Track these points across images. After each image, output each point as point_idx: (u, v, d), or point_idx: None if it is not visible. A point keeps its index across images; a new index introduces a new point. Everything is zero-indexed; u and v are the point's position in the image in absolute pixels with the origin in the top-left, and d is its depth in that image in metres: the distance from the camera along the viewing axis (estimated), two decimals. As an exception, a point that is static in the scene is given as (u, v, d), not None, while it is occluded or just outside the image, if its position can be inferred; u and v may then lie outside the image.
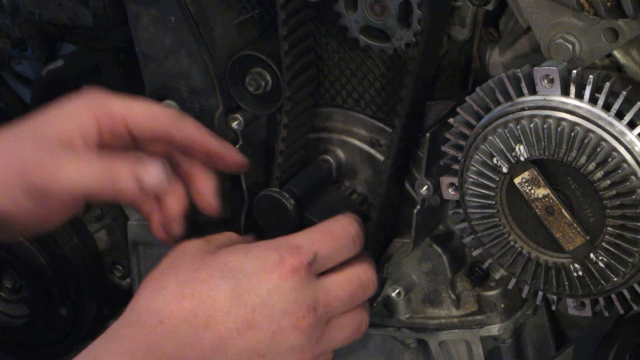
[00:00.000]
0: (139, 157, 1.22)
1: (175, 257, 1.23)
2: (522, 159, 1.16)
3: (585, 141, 1.11)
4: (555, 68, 1.14)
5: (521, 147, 1.15)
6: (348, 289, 1.25)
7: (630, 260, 1.14)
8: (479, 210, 1.23)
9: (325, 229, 1.28)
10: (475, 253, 1.28)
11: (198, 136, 1.30)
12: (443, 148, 1.26)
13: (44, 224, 1.25)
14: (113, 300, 1.67)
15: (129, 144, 1.27)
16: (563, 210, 1.16)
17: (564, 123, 1.13)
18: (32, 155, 1.19)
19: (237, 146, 1.45)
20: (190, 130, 1.30)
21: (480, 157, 1.19)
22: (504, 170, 1.18)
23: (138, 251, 1.59)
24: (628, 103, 1.12)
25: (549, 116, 1.14)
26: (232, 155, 1.34)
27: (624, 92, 1.11)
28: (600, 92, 1.12)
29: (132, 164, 1.20)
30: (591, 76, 1.13)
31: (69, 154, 1.19)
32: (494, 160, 1.18)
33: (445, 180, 1.26)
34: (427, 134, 1.33)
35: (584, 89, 1.12)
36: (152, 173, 1.20)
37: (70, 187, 1.18)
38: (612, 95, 1.12)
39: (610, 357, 1.32)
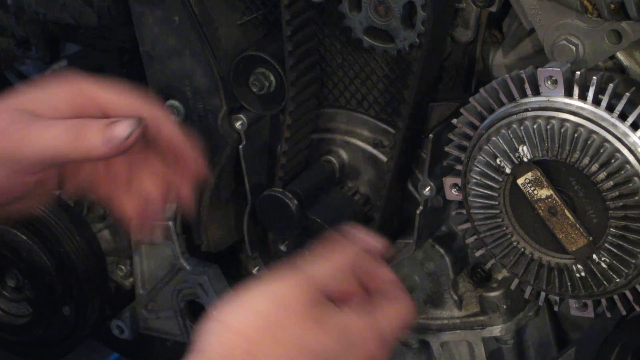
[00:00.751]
0: (109, 120, 1.17)
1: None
2: (525, 159, 1.16)
3: (589, 142, 1.12)
4: (558, 69, 1.15)
5: (524, 147, 1.16)
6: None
7: (633, 261, 1.14)
8: (482, 211, 1.23)
9: None
10: (478, 254, 1.28)
11: (167, 127, 1.20)
12: (446, 149, 1.27)
13: (14, 197, 1.18)
14: (115, 300, 1.67)
15: None
16: (566, 211, 1.16)
17: (568, 124, 1.13)
18: (2, 124, 1.14)
19: (241, 146, 1.45)
20: (162, 120, 1.21)
21: (484, 157, 1.20)
22: (507, 170, 1.18)
23: (141, 251, 1.60)
24: (631, 104, 1.12)
25: (553, 117, 1.14)
26: (195, 157, 1.23)
27: (628, 94, 1.12)
28: (603, 94, 1.12)
29: (101, 122, 1.15)
30: (594, 78, 1.13)
31: (38, 121, 1.15)
32: (497, 160, 1.18)
33: (448, 181, 1.26)
34: (431, 135, 1.34)
35: (588, 90, 1.13)
36: (122, 127, 1.14)
37: (38, 149, 1.13)
38: (616, 96, 1.12)
39: (613, 356, 1.33)
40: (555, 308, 1.30)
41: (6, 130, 1.14)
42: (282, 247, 1.52)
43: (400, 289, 1.16)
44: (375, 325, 1.10)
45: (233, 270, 1.59)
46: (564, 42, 1.21)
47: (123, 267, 1.63)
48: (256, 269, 1.54)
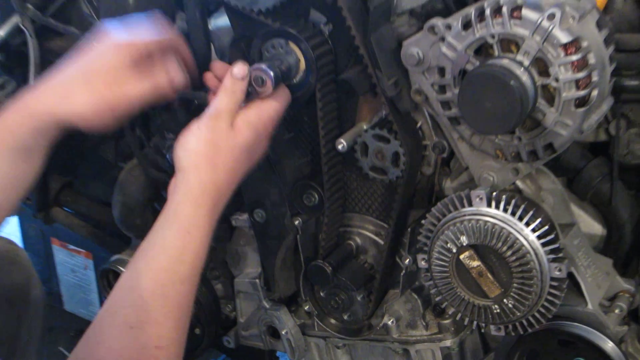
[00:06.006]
0: (166, 68, 1.24)
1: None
2: (464, 244, 1.23)
3: (500, 234, 1.19)
4: (483, 191, 1.22)
5: (464, 237, 1.22)
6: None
7: (527, 302, 1.21)
8: (439, 274, 1.28)
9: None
10: (437, 298, 1.31)
11: (182, 46, 1.30)
12: (419, 237, 1.30)
13: (105, 124, 1.21)
14: (225, 325, 1.68)
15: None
16: (488, 274, 1.23)
17: (488, 223, 1.20)
18: (103, 80, 1.18)
19: (298, 236, 1.48)
20: (181, 42, 1.30)
21: (440, 243, 1.25)
22: (454, 250, 1.24)
23: (240, 296, 1.64)
24: (525, 211, 1.19)
25: (480, 219, 1.21)
26: (192, 64, 1.32)
27: (523, 205, 1.19)
28: (509, 205, 1.19)
29: (165, 73, 1.24)
30: (504, 196, 1.21)
31: (128, 85, 1.19)
32: (448, 245, 1.24)
33: (419, 256, 1.30)
34: (409, 229, 1.41)
35: (500, 203, 1.20)
36: (178, 74, 1.25)
37: (137, 101, 1.21)
38: (516, 206, 1.19)
39: (515, 358, 1.37)
40: (482, 330, 1.39)
41: (111, 84, 1.19)
42: (322, 294, 1.56)
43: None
44: (261, 118, 1.20)
45: (294, 307, 1.61)
46: (486, 175, 1.27)
47: (230, 306, 1.66)
48: (307, 307, 1.57)
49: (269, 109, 1.21)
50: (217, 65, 1.28)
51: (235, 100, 1.18)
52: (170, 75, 1.24)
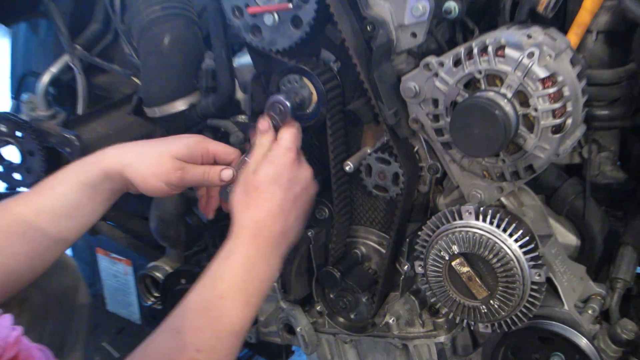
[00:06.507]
0: (219, 166, 1.27)
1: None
2: (455, 252, 1.22)
3: (487, 243, 1.19)
4: (472, 207, 1.20)
5: (455, 246, 1.22)
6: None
7: (510, 303, 1.20)
8: (433, 279, 1.27)
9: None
10: (432, 300, 1.30)
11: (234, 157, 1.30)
12: (416, 247, 1.29)
13: (157, 194, 1.25)
14: None
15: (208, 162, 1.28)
16: (476, 278, 1.22)
17: (477, 234, 1.19)
18: (171, 164, 1.23)
19: (311, 245, 1.46)
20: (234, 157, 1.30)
21: (435, 251, 1.25)
22: (447, 258, 1.23)
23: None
24: (509, 224, 1.18)
25: (469, 230, 1.20)
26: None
27: (506, 219, 1.18)
28: (494, 219, 1.19)
29: (216, 169, 1.27)
30: (490, 210, 1.19)
31: (187, 166, 1.24)
32: (442, 253, 1.23)
33: (417, 263, 1.29)
34: (407, 239, 1.40)
35: (486, 217, 1.19)
36: (227, 173, 1.27)
37: (189, 180, 1.25)
38: (500, 220, 1.18)
39: (500, 352, 1.35)
40: (472, 327, 1.34)
41: (175, 168, 1.23)
42: (332, 296, 1.54)
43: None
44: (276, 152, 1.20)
45: (307, 307, 1.59)
46: (474, 192, 1.26)
47: None
48: (319, 307, 1.56)
49: (280, 142, 1.23)
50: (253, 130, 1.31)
51: (263, 151, 1.21)
52: (219, 168, 1.28)
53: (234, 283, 1.09)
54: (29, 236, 1.16)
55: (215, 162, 1.29)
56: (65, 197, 1.19)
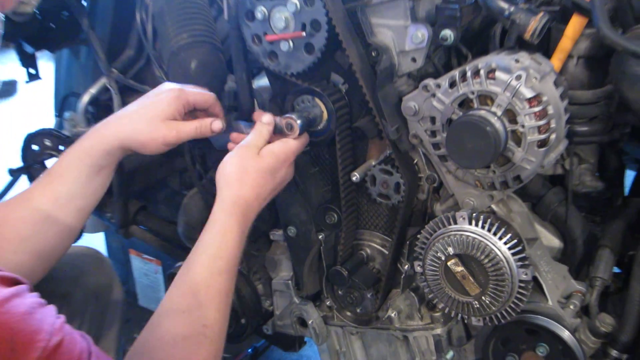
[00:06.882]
0: (208, 119, 1.26)
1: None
2: (450, 253, 1.22)
3: (479, 245, 1.19)
4: (465, 213, 1.20)
5: (450, 248, 1.21)
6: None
7: (500, 299, 1.20)
8: (431, 277, 1.27)
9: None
10: (430, 296, 1.29)
11: (216, 106, 1.29)
12: (415, 248, 1.29)
13: (157, 150, 1.23)
14: (265, 317, 1.65)
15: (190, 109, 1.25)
16: (469, 277, 1.22)
17: (470, 237, 1.19)
18: (165, 127, 1.20)
19: (322, 247, 1.45)
20: (215, 104, 1.29)
21: (433, 252, 1.25)
22: (443, 258, 1.23)
23: (276, 294, 1.62)
24: (498, 228, 1.18)
25: (463, 234, 1.20)
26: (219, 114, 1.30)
27: (496, 224, 1.18)
28: (486, 223, 1.19)
29: (207, 122, 1.25)
30: (482, 216, 1.20)
31: (179, 124, 1.22)
32: (438, 254, 1.23)
33: (416, 263, 1.29)
34: (408, 242, 1.39)
35: (478, 222, 1.19)
36: (217, 125, 1.26)
37: (185, 137, 1.23)
38: (491, 224, 1.18)
39: (491, 343, 1.35)
40: (466, 321, 1.37)
41: (162, 129, 1.20)
42: (340, 292, 1.53)
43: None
44: (283, 149, 1.21)
45: (318, 302, 1.58)
46: (467, 200, 1.26)
47: (268, 301, 1.62)
48: (328, 302, 1.54)
49: (290, 144, 1.23)
50: (257, 113, 1.30)
51: (261, 137, 1.21)
52: (209, 121, 1.26)
53: (229, 260, 1.09)
54: (50, 222, 1.17)
55: (195, 109, 1.28)
56: (77, 181, 1.19)
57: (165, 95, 1.22)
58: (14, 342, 0.70)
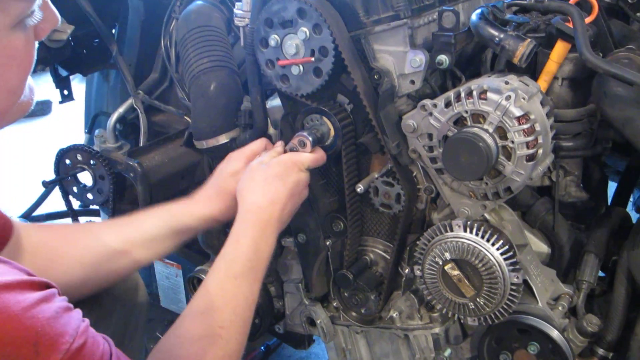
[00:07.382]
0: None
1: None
2: (447, 258, 1.22)
3: (473, 251, 1.19)
4: (460, 221, 1.21)
5: (447, 253, 1.22)
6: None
7: (493, 301, 1.20)
8: (429, 280, 1.27)
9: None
10: (429, 297, 1.29)
11: (269, 144, 1.33)
12: (415, 254, 1.29)
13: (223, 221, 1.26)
14: (277, 317, 1.64)
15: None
16: (465, 280, 1.22)
17: (465, 243, 1.20)
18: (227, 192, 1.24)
19: (329, 252, 1.45)
20: (267, 144, 1.33)
21: (431, 257, 1.25)
22: (440, 263, 1.23)
23: (287, 296, 1.61)
24: (491, 235, 1.19)
25: (459, 241, 1.21)
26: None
27: (489, 231, 1.19)
28: (479, 231, 1.19)
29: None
30: (475, 224, 1.20)
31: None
32: (436, 259, 1.23)
33: (415, 267, 1.29)
34: (408, 248, 1.39)
35: (473, 229, 1.19)
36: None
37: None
38: (484, 232, 1.19)
39: (486, 342, 1.34)
40: (462, 321, 1.36)
41: (231, 193, 1.23)
42: (346, 294, 1.52)
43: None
44: (292, 158, 1.22)
45: (326, 303, 1.56)
46: (462, 209, 1.25)
47: (280, 302, 1.61)
48: (335, 303, 1.53)
49: (299, 153, 1.24)
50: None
51: (269, 156, 1.24)
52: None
53: (244, 264, 1.08)
54: (114, 261, 1.18)
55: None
56: (153, 236, 1.22)
57: (234, 170, 1.28)
58: (38, 345, 0.69)
